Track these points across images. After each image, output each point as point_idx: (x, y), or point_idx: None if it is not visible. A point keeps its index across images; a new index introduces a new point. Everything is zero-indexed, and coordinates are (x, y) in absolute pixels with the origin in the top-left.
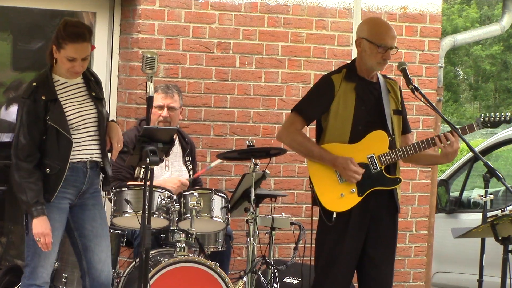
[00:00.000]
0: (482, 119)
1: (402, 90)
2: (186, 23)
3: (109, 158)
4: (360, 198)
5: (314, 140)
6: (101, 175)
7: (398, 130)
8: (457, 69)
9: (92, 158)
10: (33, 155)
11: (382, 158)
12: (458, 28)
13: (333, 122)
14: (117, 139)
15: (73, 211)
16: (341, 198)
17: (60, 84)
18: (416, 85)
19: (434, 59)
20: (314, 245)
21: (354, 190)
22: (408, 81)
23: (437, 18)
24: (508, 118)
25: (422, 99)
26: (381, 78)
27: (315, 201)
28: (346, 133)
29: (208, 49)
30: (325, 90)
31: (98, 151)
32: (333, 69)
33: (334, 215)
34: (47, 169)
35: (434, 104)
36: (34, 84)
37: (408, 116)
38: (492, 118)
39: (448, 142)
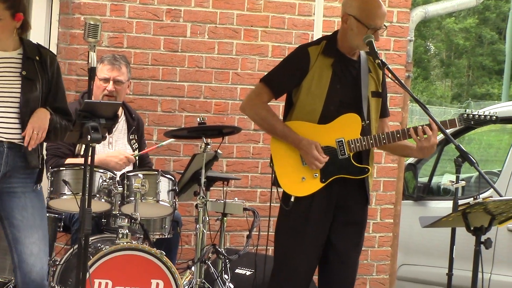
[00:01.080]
0: (465, 116)
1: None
2: None
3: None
4: (323, 185)
5: (282, 115)
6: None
7: (376, 114)
8: (428, 43)
9: (10, 140)
10: None
11: (352, 144)
12: None
13: (304, 98)
14: (35, 125)
15: (1, 197)
16: (302, 182)
17: None
18: (383, 60)
19: (403, 31)
20: (270, 232)
21: (317, 175)
22: (375, 55)
23: None
24: (495, 118)
25: (390, 75)
26: (363, 56)
27: (274, 182)
28: (317, 112)
29: (156, 16)
30: (299, 62)
31: (18, 135)
32: (293, 41)
33: (292, 199)
34: None
35: (403, 81)
36: None
37: None
38: (477, 116)
39: (425, 136)
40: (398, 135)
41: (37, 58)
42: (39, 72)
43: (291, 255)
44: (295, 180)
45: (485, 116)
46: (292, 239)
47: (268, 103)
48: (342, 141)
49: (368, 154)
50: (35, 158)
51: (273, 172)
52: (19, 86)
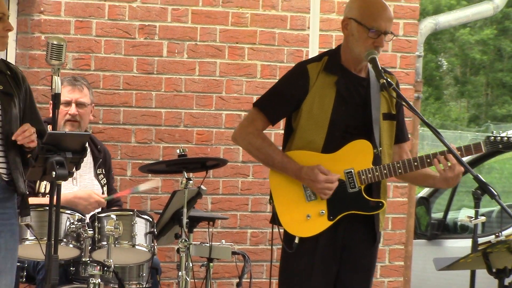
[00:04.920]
0: (492, 139)
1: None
2: (101, 1)
3: (20, 169)
4: (330, 223)
5: (282, 143)
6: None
7: (389, 139)
8: (440, 59)
9: None
10: None
11: (363, 175)
12: (441, 7)
13: (305, 124)
14: (26, 127)
15: None
16: (307, 221)
17: None
18: (388, 80)
19: (411, 46)
20: (264, 279)
21: (324, 212)
22: (379, 74)
23: None
24: None
25: (396, 96)
26: (372, 72)
27: (274, 219)
28: (320, 139)
29: (127, 33)
30: (297, 82)
31: (2, 160)
32: (285, 59)
33: (296, 241)
34: None
35: (412, 103)
36: None
37: None
38: (506, 139)
39: (449, 164)
40: (415, 163)
41: (8, 72)
42: (14, 87)
43: None
44: (298, 219)
45: None
46: (298, 286)
47: (264, 131)
48: (351, 172)
49: (380, 186)
50: (22, 183)
51: (274, 210)
52: None
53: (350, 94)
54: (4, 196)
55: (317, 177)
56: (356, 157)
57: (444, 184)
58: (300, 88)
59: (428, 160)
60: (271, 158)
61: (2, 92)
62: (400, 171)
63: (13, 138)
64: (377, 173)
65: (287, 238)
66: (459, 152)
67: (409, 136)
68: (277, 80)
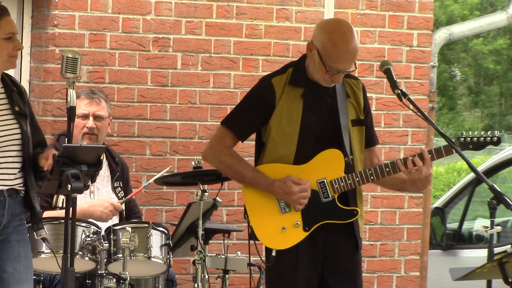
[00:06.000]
0: (462, 139)
1: (366, 92)
2: (115, 14)
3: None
4: (306, 234)
5: (254, 158)
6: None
7: (359, 145)
8: (454, 69)
9: (13, 187)
10: None
11: (336, 184)
12: (454, 18)
13: (275, 138)
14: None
15: None
16: (283, 233)
17: None
18: (403, 90)
19: (425, 56)
20: None
21: (299, 223)
22: (394, 85)
23: (428, 5)
24: (496, 138)
25: (411, 106)
26: None
27: (252, 235)
28: (291, 152)
29: (142, 46)
30: (262, 97)
31: (19, 180)
32: None
33: (274, 253)
34: None
35: (426, 113)
36: None
37: (394, 129)
38: (476, 139)
39: (416, 168)
40: (387, 169)
41: (15, 88)
42: (22, 104)
43: None
44: (274, 232)
45: (485, 138)
46: None
47: (234, 148)
48: (324, 181)
49: (355, 194)
50: (37, 202)
51: (249, 224)
52: (17, 125)
53: (317, 105)
54: (21, 210)
55: (291, 189)
56: (327, 166)
57: (413, 187)
58: (266, 103)
59: (398, 165)
60: (242, 174)
61: (18, 113)
62: (372, 177)
63: (45, 168)
64: (349, 181)
65: (266, 252)
66: (430, 155)
67: (424, 146)
68: None
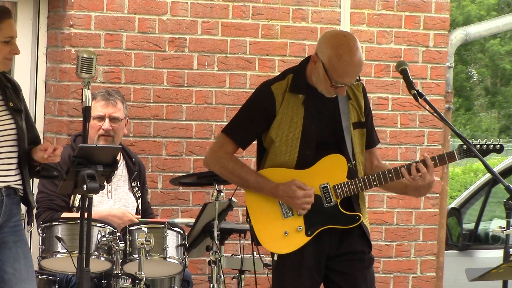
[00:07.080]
0: (465, 147)
1: (367, 93)
2: (130, 14)
3: (31, 184)
4: (309, 238)
5: (256, 163)
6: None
7: (360, 147)
8: (470, 69)
9: (9, 184)
10: None
11: (338, 189)
12: (471, 18)
13: (276, 145)
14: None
15: None
16: (285, 237)
17: None
18: (419, 90)
19: (442, 57)
20: None
21: (302, 228)
22: (410, 85)
23: (444, 5)
24: (498, 146)
25: (427, 107)
26: None
27: (253, 239)
28: (292, 159)
29: (158, 46)
30: (262, 105)
31: (17, 177)
32: None
33: (275, 258)
34: None
35: (443, 114)
36: None
37: (411, 129)
38: (478, 146)
39: (419, 174)
40: (390, 175)
41: (9, 85)
42: (17, 100)
43: None
44: (276, 236)
45: (488, 145)
46: None
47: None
48: (327, 186)
49: (358, 198)
50: (32, 197)
51: (251, 228)
52: (12, 120)
53: (318, 112)
54: (18, 211)
55: (295, 193)
56: (330, 171)
57: (415, 193)
58: (267, 111)
59: (402, 172)
60: (245, 179)
61: (13, 109)
62: (375, 183)
63: (45, 156)
64: (352, 187)
65: (272, 254)
66: (433, 162)
67: (440, 147)
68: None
